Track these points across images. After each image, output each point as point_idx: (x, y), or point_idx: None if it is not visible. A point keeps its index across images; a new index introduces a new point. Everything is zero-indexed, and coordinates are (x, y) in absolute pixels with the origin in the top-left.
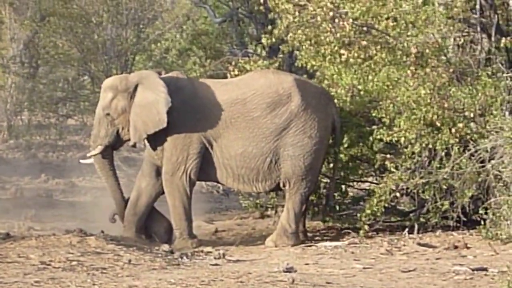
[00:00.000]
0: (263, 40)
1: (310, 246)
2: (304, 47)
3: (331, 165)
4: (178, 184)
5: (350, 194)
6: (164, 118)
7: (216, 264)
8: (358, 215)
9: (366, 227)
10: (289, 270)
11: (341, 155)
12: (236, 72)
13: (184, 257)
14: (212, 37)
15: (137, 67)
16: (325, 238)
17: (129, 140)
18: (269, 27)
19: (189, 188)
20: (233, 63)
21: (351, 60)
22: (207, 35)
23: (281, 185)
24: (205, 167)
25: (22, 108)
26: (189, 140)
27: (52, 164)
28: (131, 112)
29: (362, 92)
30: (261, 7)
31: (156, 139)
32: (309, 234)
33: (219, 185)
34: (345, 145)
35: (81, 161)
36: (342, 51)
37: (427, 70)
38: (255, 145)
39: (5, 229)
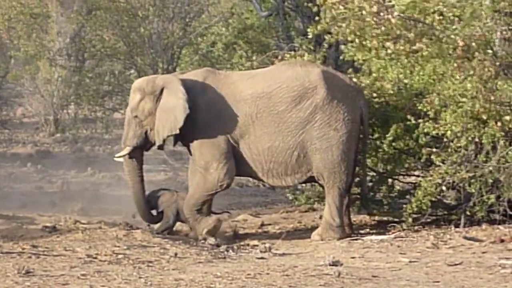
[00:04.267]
0: (309, 31)
1: (356, 239)
2: (349, 40)
3: (375, 159)
4: (209, 180)
5: (397, 187)
6: (178, 124)
7: (262, 258)
8: (405, 208)
9: (410, 219)
10: (335, 263)
11: (386, 148)
12: None
13: (230, 250)
14: (258, 31)
15: (183, 61)
16: (371, 231)
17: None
18: (316, 18)
19: (217, 188)
20: (279, 57)
21: (397, 53)
22: (253, 29)
23: (316, 179)
24: (236, 163)
25: (69, 102)
26: (218, 139)
27: (99, 158)
28: (156, 115)
29: (408, 86)
30: (309, 4)
31: (185, 139)
32: (355, 228)
33: None
34: (390, 139)
35: (115, 158)
36: (388, 45)
37: (473, 63)
38: (281, 139)
39: (52, 223)
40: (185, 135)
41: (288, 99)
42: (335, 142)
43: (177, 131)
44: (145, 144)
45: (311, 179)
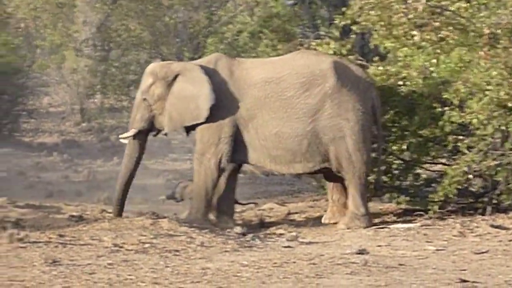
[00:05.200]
0: (336, 21)
1: (382, 228)
2: (377, 28)
3: (401, 147)
4: (206, 165)
5: (423, 176)
6: (204, 114)
7: (289, 246)
8: (431, 196)
9: (436, 207)
10: (361, 252)
11: (412, 137)
12: None
13: (257, 239)
14: (283, 19)
15: (209, 50)
16: (397, 220)
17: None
18: (343, 8)
19: (217, 172)
20: (305, 45)
21: (424, 41)
22: (278, 17)
23: (335, 171)
24: (243, 149)
25: (95, 91)
26: (221, 123)
27: (125, 147)
28: (167, 101)
29: (434, 74)
30: None
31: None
32: (381, 216)
33: None
34: (416, 127)
35: (120, 138)
36: (414, 33)
37: (499, 50)
38: (289, 125)
39: (78, 212)
40: None
41: (297, 85)
42: (348, 132)
43: (202, 120)
44: (151, 128)
45: (326, 170)
